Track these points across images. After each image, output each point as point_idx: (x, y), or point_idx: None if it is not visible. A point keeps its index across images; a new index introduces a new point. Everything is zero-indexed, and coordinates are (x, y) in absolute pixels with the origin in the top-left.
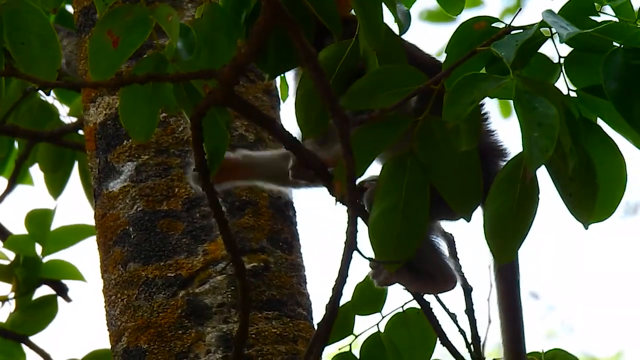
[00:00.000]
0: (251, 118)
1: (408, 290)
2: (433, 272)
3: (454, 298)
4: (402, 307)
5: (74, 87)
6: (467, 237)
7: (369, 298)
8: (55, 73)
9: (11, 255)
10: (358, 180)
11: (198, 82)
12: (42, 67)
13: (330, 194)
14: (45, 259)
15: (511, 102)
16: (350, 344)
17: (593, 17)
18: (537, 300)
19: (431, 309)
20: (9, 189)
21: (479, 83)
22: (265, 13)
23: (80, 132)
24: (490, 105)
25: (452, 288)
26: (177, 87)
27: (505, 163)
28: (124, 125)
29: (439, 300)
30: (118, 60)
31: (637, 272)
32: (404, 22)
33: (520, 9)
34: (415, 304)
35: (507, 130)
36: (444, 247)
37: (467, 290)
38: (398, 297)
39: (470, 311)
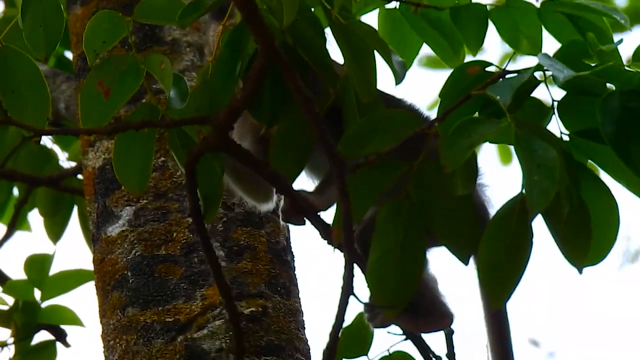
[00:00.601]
0: (245, 162)
1: (404, 331)
2: (429, 309)
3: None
4: (388, 350)
5: (70, 133)
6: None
7: (356, 340)
8: (45, 120)
9: (10, 301)
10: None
11: (192, 128)
12: (32, 116)
13: (322, 238)
14: (44, 304)
15: (511, 147)
16: None
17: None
18: (537, 347)
19: (428, 347)
20: (8, 234)
21: (476, 127)
22: (261, 57)
23: (79, 176)
24: (490, 152)
25: (450, 325)
26: (170, 133)
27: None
28: (118, 177)
29: (422, 344)
30: (109, 111)
31: (637, 318)
32: (400, 73)
33: (515, 53)
34: (400, 347)
35: (507, 177)
36: (437, 280)
37: (448, 333)
38: (384, 339)
39: (451, 355)
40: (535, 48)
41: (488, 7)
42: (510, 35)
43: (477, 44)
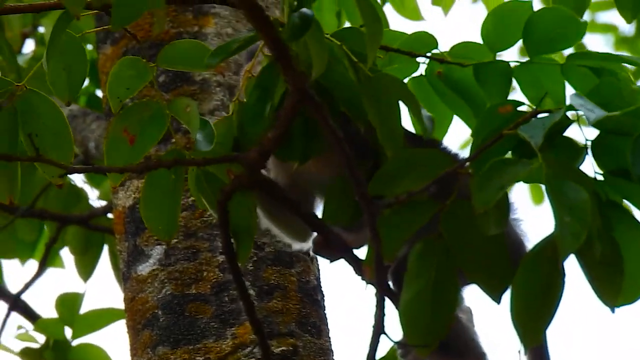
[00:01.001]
0: (278, 200)
1: None
2: (461, 349)
3: None
4: None
5: (100, 171)
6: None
7: None
8: (69, 164)
9: (41, 339)
10: None
11: (219, 168)
12: (55, 159)
13: (357, 274)
14: (75, 343)
15: (542, 186)
16: None
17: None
18: None
19: None
20: (39, 272)
21: (507, 167)
22: (292, 97)
23: (110, 215)
24: (522, 191)
25: None
26: (198, 175)
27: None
28: (147, 224)
29: None
30: (135, 158)
31: None
32: (429, 126)
33: (546, 93)
34: None
35: (538, 216)
36: (471, 318)
37: None
38: None
39: None
40: (558, 104)
41: (511, 64)
42: (533, 92)
43: (500, 100)
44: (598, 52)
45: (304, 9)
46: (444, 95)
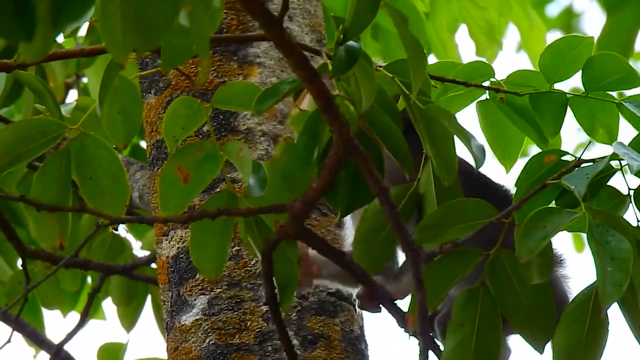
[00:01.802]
0: (322, 252)
1: None
2: None
3: None
4: None
5: (145, 222)
6: None
7: None
8: (124, 208)
9: None
10: None
11: (268, 216)
12: (110, 203)
13: (400, 326)
14: None
15: (584, 235)
16: None
17: None
18: None
19: None
20: (82, 322)
21: (551, 217)
22: (337, 147)
23: (153, 265)
24: (564, 239)
25: None
26: (248, 222)
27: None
28: (194, 262)
29: None
30: (188, 196)
31: None
32: (480, 157)
33: (590, 142)
34: None
35: (581, 264)
36: None
37: None
38: None
39: None
40: (611, 137)
41: (567, 95)
42: (588, 123)
43: (555, 129)
44: None
45: (351, 42)
46: (512, 118)
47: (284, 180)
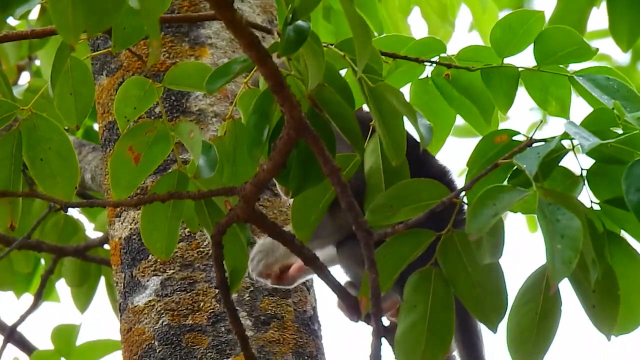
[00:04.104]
0: (272, 235)
1: None
2: None
3: None
4: None
5: (96, 205)
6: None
7: None
8: (73, 190)
9: None
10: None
11: (219, 199)
12: (61, 184)
13: (346, 316)
14: None
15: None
16: None
17: (615, 129)
18: None
19: None
20: (35, 304)
21: (501, 195)
22: (288, 128)
23: (106, 246)
24: (518, 222)
25: None
26: (199, 204)
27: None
28: (145, 243)
29: None
30: (139, 177)
31: None
32: (427, 136)
33: (542, 122)
34: None
35: (532, 244)
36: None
37: None
38: None
39: None
40: (563, 109)
41: (519, 69)
42: (540, 96)
43: (507, 102)
44: (607, 68)
45: (300, 22)
46: (450, 97)
47: (227, 160)
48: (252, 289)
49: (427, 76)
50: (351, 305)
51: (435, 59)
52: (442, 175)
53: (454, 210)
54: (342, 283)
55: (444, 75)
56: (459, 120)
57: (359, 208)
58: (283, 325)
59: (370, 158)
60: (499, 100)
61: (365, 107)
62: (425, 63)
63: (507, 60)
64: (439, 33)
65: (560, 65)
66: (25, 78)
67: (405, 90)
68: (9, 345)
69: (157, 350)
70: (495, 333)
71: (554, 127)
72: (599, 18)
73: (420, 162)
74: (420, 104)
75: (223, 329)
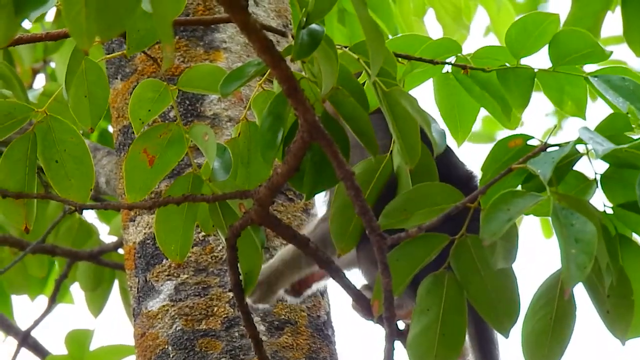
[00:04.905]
0: (286, 238)
1: None
2: None
3: None
4: None
5: (111, 208)
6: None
7: None
8: (88, 192)
9: None
10: None
11: (234, 201)
12: (75, 186)
13: (361, 315)
14: None
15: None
16: None
17: (629, 134)
18: None
19: None
20: (49, 308)
21: (514, 199)
22: (302, 132)
23: (120, 251)
24: (533, 226)
25: None
26: (213, 206)
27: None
28: (159, 245)
29: None
30: (153, 179)
31: None
32: (440, 142)
33: (556, 127)
34: None
35: (548, 250)
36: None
37: None
38: None
39: None
40: (580, 109)
41: (535, 70)
42: (556, 96)
43: (523, 102)
44: (622, 68)
45: (314, 25)
46: (471, 90)
47: (241, 162)
48: None
49: (448, 71)
50: (366, 305)
51: (451, 59)
52: (468, 180)
53: (469, 214)
54: (359, 287)
55: (462, 72)
56: (477, 124)
57: (372, 212)
58: (297, 330)
59: (397, 159)
60: (515, 100)
61: None
62: (441, 64)
63: (522, 62)
64: (454, 36)
65: (576, 66)
66: (40, 81)
67: (425, 86)
68: (23, 350)
69: (171, 355)
70: (507, 338)
71: (569, 133)
72: (615, 24)
73: (449, 166)
74: (444, 97)
75: (237, 334)
